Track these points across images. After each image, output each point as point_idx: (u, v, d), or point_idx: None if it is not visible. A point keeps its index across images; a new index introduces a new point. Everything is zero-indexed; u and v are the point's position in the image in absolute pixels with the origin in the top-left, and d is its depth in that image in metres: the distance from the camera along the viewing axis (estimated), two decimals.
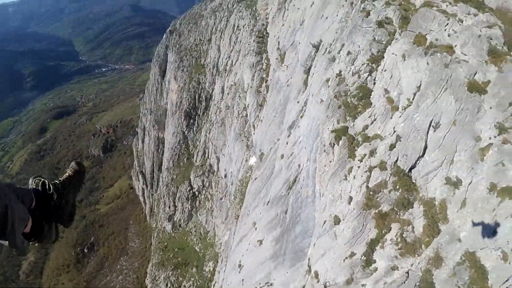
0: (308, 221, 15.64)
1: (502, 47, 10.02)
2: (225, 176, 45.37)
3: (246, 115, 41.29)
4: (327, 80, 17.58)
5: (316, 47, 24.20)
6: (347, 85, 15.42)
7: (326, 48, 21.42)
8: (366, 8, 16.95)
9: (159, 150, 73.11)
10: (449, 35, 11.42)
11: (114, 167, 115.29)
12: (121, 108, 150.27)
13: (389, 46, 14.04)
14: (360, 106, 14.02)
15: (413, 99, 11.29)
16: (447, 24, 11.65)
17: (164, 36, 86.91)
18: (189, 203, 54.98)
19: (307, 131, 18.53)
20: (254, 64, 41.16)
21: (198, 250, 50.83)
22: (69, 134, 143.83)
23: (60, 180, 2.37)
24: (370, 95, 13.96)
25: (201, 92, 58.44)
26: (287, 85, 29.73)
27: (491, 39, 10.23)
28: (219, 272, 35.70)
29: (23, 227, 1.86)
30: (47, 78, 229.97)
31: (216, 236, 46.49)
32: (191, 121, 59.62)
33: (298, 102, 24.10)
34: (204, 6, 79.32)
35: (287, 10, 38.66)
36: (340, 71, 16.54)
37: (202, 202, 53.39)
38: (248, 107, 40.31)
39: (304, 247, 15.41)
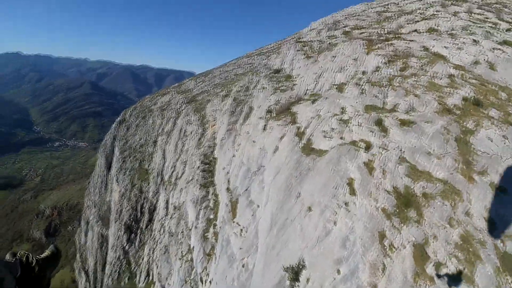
0: None
1: None
2: None
3: (191, 259, 34.46)
4: None
5: (294, 273, 10.91)
6: None
7: None
8: None
9: (103, 248, 62.78)
10: None
11: None
12: (70, 190, 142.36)
13: None
14: None
15: None
16: None
17: (113, 125, 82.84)
18: None
19: None
20: (199, 200, 34.80)
21: None
22: (11, 209, 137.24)
23: (40, 256, 2.89)
24: None
25: (144, 202, 51.87)
26: (242, 265, 18.32)
27: None
28: None
29: None
30: None
31: None
32: (133, 235, 51.86)
33: None
34: (155, 99, 76.91)
35: (239, 135, 31.87)
36: None
37: None
38: (193, 250, 33.16)
39: None
